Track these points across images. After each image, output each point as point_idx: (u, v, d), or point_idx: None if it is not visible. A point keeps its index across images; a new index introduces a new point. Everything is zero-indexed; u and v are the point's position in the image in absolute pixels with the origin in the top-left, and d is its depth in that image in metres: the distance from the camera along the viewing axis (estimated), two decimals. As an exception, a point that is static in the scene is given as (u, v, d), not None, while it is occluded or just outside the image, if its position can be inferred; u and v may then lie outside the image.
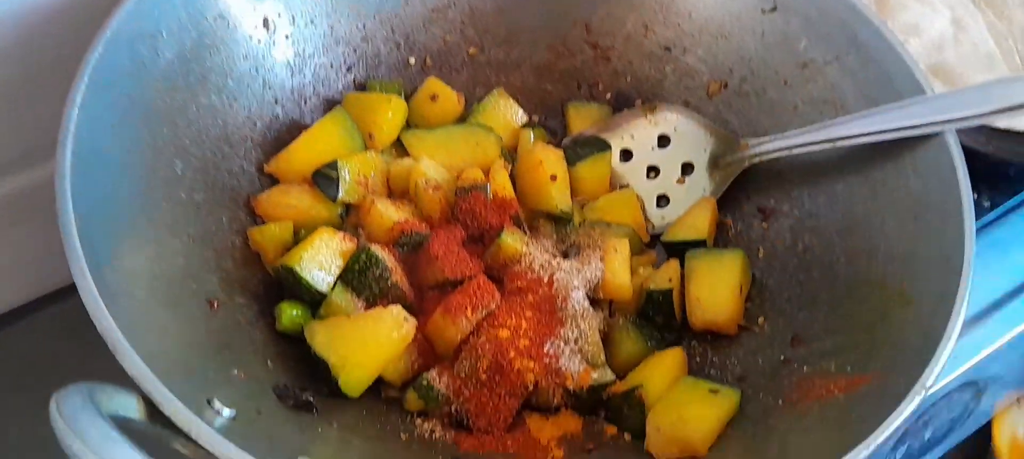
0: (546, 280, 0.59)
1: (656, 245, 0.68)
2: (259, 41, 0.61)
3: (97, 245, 0.44)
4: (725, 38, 0.68)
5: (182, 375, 0.43)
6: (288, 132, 0.64)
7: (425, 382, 0.56)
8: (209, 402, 0.44)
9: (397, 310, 0.55)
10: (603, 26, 0.70)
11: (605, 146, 0.68)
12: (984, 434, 0.84)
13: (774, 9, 0.66)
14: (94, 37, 0.49)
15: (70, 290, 0.84)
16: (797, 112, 0.66)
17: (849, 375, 0.52)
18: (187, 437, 0.40)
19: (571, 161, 0.67)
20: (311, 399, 0.52)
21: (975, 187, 0.73)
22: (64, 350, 0.84)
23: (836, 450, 0.45)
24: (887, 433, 0.45)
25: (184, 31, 0.56)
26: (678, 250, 0.65)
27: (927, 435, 0.80)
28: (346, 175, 0.60)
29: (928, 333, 0.50)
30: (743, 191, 0.68)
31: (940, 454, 0.85)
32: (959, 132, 0.58)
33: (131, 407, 0.39)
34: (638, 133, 0.70)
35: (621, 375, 0.59)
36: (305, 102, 0.65)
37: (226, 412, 0.44)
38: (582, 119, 0.71)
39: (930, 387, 0.47)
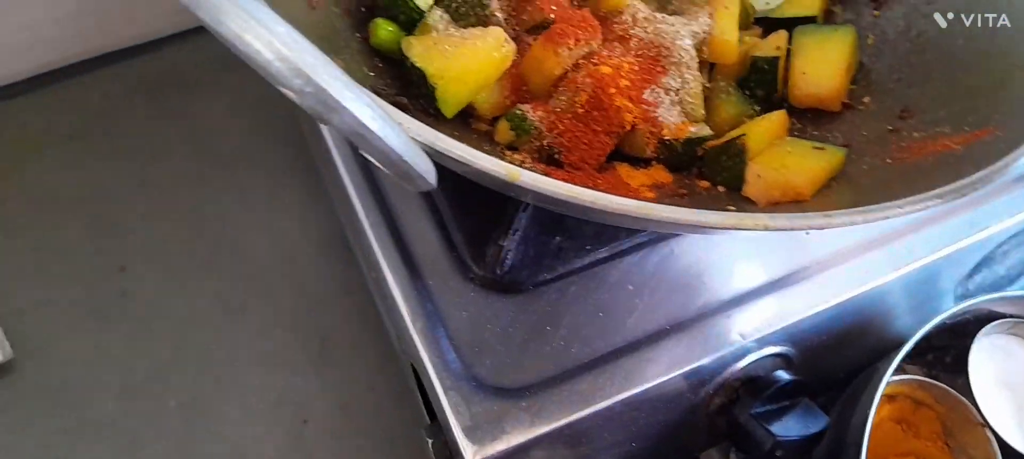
0: (651, 30, 0.56)
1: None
2: None
3: None
4: None
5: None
6: None
7: (519, 112, 0.54)
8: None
9: (500, 31, 0.53)
10: None
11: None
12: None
13: None
14: None
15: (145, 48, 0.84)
16: None
17: (966, 132, 0.50)
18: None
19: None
20: (408, 102, 0.51)
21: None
22: (136, 105, 0.84)
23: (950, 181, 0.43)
24: (1011, 170, 0.43)
25: None
26: (786, 27, 0.62)
27: (1002, 270, 0.78)
28: None
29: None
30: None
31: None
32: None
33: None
34: (749, -91, 0.66)
35: (719, 136, 0.58)
36: None
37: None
38: None
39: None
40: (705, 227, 0.38)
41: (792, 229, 0.38)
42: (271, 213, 0.80)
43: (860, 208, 0.39)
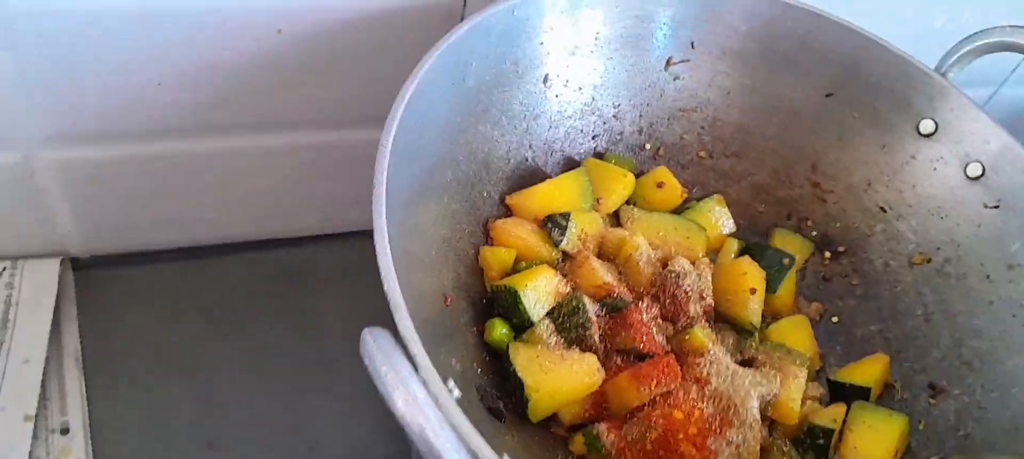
0: (726, 380, 0.64)
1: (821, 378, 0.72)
2: (535, 92, 0.70)
3: (392, 215, 0.52)
4: (941, 217, 0.72)
5: (429, 347, 0.50)
6: (530, 175, 0.72)
7: (594, 432, 0.61)
8: (444, 379, 0.50)
9: (594, 359, 0.61)
10: (829, 169, 0.76)
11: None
12: None
13: (997, 206, 0.70)
14: (430, 50, 0.58)
15: (283, 242, 0.95)
16: (992, 307, 0.69)
17: None
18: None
19: (771, 286, 0.72)
20: (502, 407, 0.59)
21: None
22: (262, 291, 0.93)
23: None
24: None
25: (487, 66, 0.64)
26: (842, 390, 0.69)
27: None
28: (573, 227, 0.67)
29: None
30: (918, 361, 0.71)
31: None
32: None
33: (397, 362, 0.46)
34: (832, 276, 0.75)
35: (769, 488, 0.64)
36: (551, 154, 0.73)
37: (455, 392, 0.50)
38: (784, 246, 0.77)
39: None
40: None
41: None
42: (351, 419, 0.87)
43: None
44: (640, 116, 0.76)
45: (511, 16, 0.64)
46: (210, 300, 0.92)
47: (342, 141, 0.77)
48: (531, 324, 0.64)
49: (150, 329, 0.87)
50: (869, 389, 0.69)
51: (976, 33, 0.70)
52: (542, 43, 0.68)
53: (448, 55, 0.59)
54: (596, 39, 0.71)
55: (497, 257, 0.66)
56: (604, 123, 0.75)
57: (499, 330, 0.63)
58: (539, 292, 0.63)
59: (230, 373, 0.88)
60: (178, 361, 0.88)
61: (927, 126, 0.72)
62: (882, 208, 0.75)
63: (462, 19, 0.69)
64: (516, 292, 0.63)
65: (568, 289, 0.65)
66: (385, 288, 0.49)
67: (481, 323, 0.64)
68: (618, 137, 0.76)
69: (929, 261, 0.73)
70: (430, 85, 0.58)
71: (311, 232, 0.91)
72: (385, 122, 0.54)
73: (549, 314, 0.64)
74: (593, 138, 0.75)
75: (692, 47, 0.74)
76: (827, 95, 0.75)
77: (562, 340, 0.64)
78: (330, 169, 0.80)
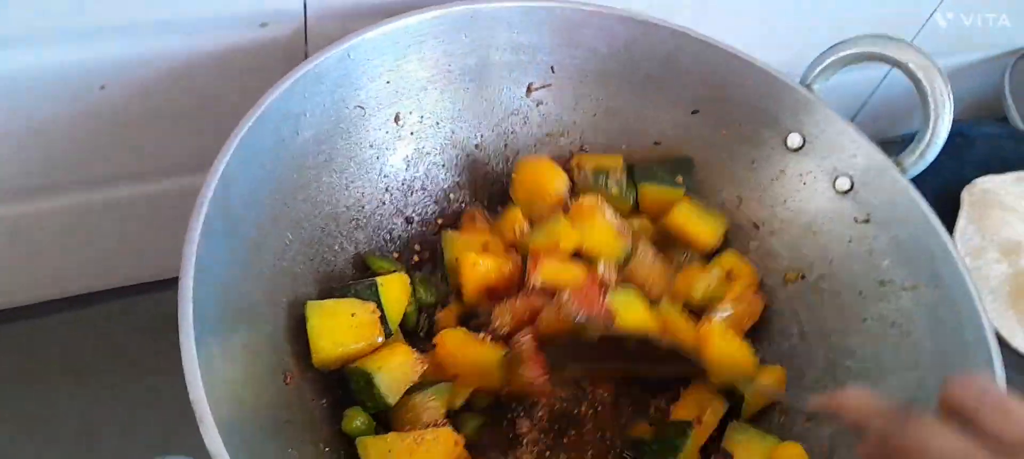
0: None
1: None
2: (387, 133, 0.66)
3: (204, 301, 0.48)
4: (813, 233, 0.71)
5: (258, 446, 0.47)
6: (389, 220, 0.68)
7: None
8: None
9: (449, 433, 0.58)
10: (699, 187, 0.74)
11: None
12: None
13: (867, 221, 0.68)
14: (248, 111, 0.54)
15: (155, 286, 0.90)
16: (865, 325, 0.68)
17: None
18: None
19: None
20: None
21: None
22: (134, 343, 0.88)
23: None
24: None
25: (325, 115, 0.60)
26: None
27: None
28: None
29: None
30: (794, 383, 0.70)
31: None
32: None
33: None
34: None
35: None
36: (411, 194, 0.70)
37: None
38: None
39: None
40: None
41: None
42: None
43: None
44: (505, 145, 0.73)
45: (347, 60, 0.60)
46: (75, 355, 0.86)
47: (194, 186, 0.72)
48: (388, 407, 0.59)
49: (7, 392, 0.82)
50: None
51: (837, 44, 0.68)
52: (389, 82, 0.64)
53: (270, 115, 0.55)
54: (448, 72, 0.67)
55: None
56: (467, 156, 0.72)
57: (357, 421, 0.58)
58: (394, 374, 0.59)
59: (100, 434, 0.84)
60: (41, 426, 0.83)
61: (794, 140, 0.71)
62: (755, 225, 0.73)
63: (306, 57, 0.65)
64: (369, 375, 0.58)
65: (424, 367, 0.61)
66: (191, 397, 0.45)
67: (332, 394, 0.60)
68: (483, 168, 0.73)
69: (803, 278, 0.71)
70: (253, 147, 0.54)
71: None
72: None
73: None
74: (459, 173, 0.72)
75: (552, 71, 0.70)
76: (693, 112, 0.72)
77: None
78: (185, 213, 0.75)
